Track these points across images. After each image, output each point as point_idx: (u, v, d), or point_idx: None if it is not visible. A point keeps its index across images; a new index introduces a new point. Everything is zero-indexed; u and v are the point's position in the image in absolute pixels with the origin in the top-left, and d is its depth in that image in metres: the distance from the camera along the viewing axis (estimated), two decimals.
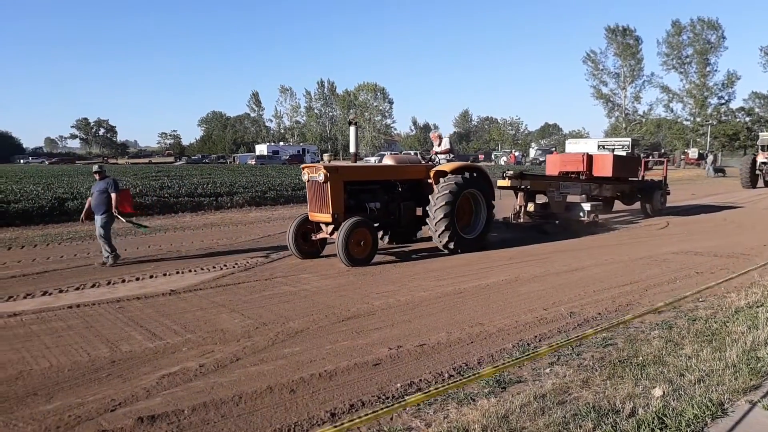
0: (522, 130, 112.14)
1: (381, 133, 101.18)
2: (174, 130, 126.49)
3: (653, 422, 4.00)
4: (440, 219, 11.10)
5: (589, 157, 16.90)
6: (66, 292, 8.48)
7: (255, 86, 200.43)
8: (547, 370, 5.16)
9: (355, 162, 12.26)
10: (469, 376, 4.98)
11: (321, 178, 10.40)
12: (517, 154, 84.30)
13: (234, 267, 10.26)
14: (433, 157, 12.75)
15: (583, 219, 14.95)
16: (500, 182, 14.23)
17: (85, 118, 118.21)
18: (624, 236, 14.21)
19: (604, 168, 16.74)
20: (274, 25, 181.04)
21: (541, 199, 15.33)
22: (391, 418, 4.22)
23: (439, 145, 12.84)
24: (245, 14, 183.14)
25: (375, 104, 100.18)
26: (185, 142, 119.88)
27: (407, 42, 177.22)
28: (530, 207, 14.78)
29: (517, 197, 14.73)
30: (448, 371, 5.14)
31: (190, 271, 9.99)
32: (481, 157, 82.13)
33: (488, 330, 6.38)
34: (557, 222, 14.58)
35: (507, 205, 14.69)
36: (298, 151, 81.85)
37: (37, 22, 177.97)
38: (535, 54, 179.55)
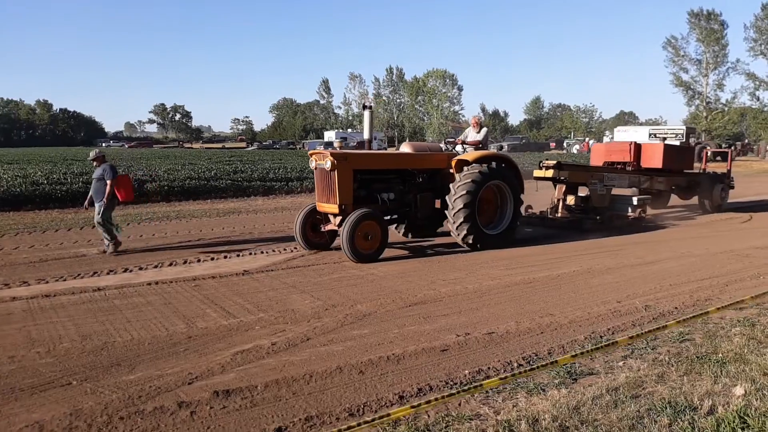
0: (596, 118, 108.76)
1: (448, 120, 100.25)
2: (246, 117, 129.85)
3: (734, 421, 3.83)
4: (459, 212, 10.23)
5: (637, 147, 15.51)
6: (145, 270, 8.88)
7: (325, 73, 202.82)
8: (620, 364, 5.02)
9: (369, 149, 11.53)
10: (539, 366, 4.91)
11: (328, 165, 9.67)
12: (591, 142, 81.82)
13: (304, 249, 10.46)
14: (456, 147, 11.75)
15: (628, 214, 13.68)
16: (536, 172, 13.29)
17: (162, 104, 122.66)
18: (703, 230, 13.60)
19: (653, 158, 15.36)
20: (344, 11, 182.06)
21: (585, 191, 13.92)
22: (459, 404, 4.22)
23: (478, 132, 11.86)
24: (316, 1, 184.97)
25: (444, 91, 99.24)
26: (257, 128, 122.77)
27: (478, 27, 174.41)
28: (570, 200, 13.61)
29: (555, 189, 13.70)
30: (517, 360, 5.09)
31: (262, 252, 10.27)
32: (553, 145, 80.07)
33: (559, 321, 6.26)
34: (598, 218, 13.18)
35: (546, 197, 13.88)
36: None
37: (118, 13, 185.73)
38: (612, 39, 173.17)
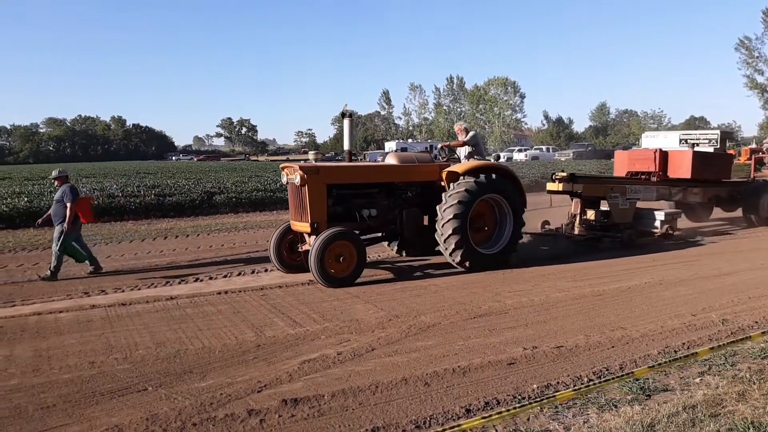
0: (665, 124, 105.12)
1: (510, 128, 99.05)
2: (309, 129, 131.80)
3: None
4: (448, 230, 9.26)
5: (663, 154, 13.80)
6: (215, 280, 9.16)
7: (385, 85, 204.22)
8: (697, 380, 4.82)
9: (350, 161, 10.56)
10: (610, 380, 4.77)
11: (297, 180, 8.89)
12: None
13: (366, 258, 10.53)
14: (447, 154, 10.71)
15: (654, 230, 12.26)
16: (549, 186, 12.13)
17: (229, 118, 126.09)
18: None
19: (681, 167, 13.70)
20: (404, 21, 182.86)
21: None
22: (528, 419, 4.14)
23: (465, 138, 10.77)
24: (376, 14, 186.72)
25: (505, 99, 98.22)
26: (319, 140, 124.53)
27: (540, 33, 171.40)
28: (591, 215, 12.34)
29: (572, 203, 12.42)
30: (588, 375, 4.95)
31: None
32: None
33: (630, 334, 6.06)
34: (618, 236, 11.79)
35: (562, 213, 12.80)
36: (426, 148, 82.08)
37: (186, 32, 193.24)
38: (681, 42, 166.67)
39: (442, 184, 9.92)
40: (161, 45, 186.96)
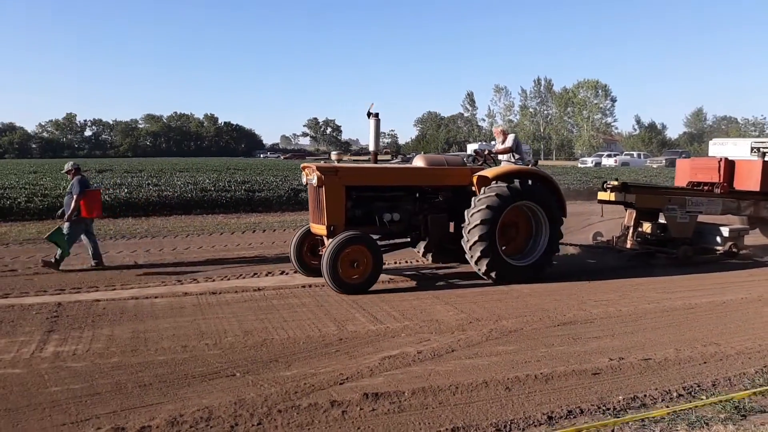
0: None
1: (600, 133, 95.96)
2: (392, 130, 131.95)
3: None
4: (474, 239, 8.64)
5: (729, 164, 12.24)
6: (300, 273, 9.41)
7: (470, 86, 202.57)
8: None
9: (375, 162, 9.91)
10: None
11: (315, 181, 8.60)
12: None
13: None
14: (487, 158, 10.02)
15: (717, 248, 11.11)
16: (600, 195, 11.27)
17: (315, 118, 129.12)
18: None
19: (749, 179, 12.08)
20: (492, 22, 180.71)
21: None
22: (613, 431, 4.03)
23: (502, 142, 10.08)
24: (462, 17, 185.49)
25: (595, 102, 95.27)
26: (401, 141, 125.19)
27: (633, 35, 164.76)
28: (646, 228, 11.35)
29: (626, 214, 11.52)
30: (677, 390, 4.76)
31: (406, 261, 10.53)
32: None
33: (725, 351, 5.77)
34: (674, 252, 10.74)
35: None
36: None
37: (278, 36, 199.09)
38: None
39: (474, 189, 9.29)
40: (253, 45, 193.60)
